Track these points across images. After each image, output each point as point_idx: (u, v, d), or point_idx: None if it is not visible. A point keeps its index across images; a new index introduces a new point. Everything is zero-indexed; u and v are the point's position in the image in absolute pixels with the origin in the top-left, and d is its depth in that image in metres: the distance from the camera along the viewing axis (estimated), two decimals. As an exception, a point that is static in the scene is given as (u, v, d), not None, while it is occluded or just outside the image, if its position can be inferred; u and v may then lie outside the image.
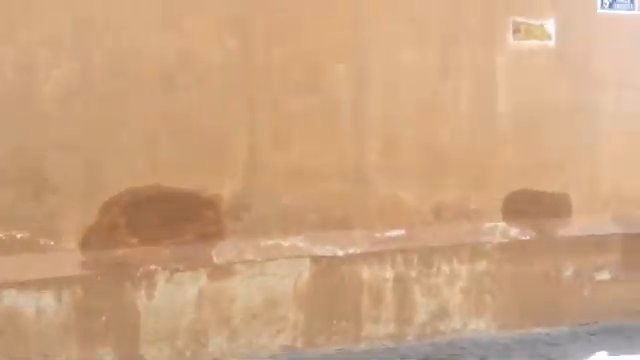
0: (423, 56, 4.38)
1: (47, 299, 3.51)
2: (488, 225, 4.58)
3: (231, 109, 3.88)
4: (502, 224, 4.61)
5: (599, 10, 4.89)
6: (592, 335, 4.66)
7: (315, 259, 4.08)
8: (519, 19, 4.62)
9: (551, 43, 4.72)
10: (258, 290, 3.92)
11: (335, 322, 4.16)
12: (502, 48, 4.58)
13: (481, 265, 4.50)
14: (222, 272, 3.83)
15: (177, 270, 3.72)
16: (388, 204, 4.33)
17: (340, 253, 4.17)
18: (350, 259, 4.19)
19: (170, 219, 3.74)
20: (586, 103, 4.82)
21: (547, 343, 4.48)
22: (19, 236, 3.50)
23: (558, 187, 4.76)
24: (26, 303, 3.46)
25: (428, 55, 4.39)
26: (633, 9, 5.00)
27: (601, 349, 4.39)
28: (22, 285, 3.46)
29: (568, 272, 4.72)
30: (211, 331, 3.82)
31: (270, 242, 4.00)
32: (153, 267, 3.67)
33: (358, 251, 4.21)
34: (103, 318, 3.60)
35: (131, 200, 3.64)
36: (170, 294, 3.71)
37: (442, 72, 4.43)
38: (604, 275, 4.82)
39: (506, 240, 4.59)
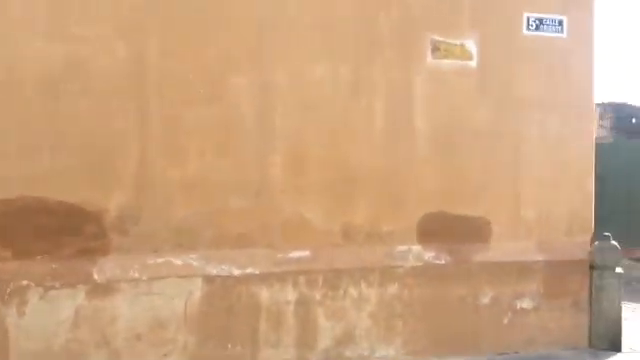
0: (334, 71, 4.25)
1: None
2: (401, 248, 4.40)
3: (120, 119, 3.73)
4: (416, 247, 4.44)
5: (525, 31, 4.79)
6: (511, 365, 4.49)
7: (208, 278, 3.89)
8: (438, 37, 4.51)
9: (473, 63, 4.61)
10: (143, 310, 3.73)
11: (230, 346, 3.96)
12: (420, 66, 4.46)
13: (392, 289, 4.31)
14: (103, 290, 3.64)
15: (52, 287, 3.54)
16: (293, 223, 4.16)
17: (236, 272, 3.99)
18: (247, 279, 4.00)
19: (48, 232, 3.56)
20: (509, 126, 4.68)
21: (461, 373, 4.30)
22: None
23: (478, 211, 4.60)
24: None
25: (340, 70, 4.26)
26: (561, 32, 4.91)
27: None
28: None
29: (486, 299, 4.54)
30: (89, 352, 3.61)
31: (160, 260, 3.82)
32: (25, 282, 3.49)
33: (257, 271, 4.03)
34: (-31, 336, 3.42)
35: (3, 211, 3.46)
36: (43, 312, 3.52)
37: (354, 88, 4.29)
38: (525, 303, 4.64)
39: (420, 264, 4.41)
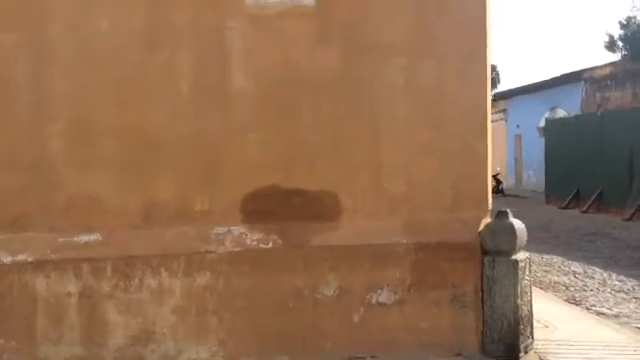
0: (124, 19, 3.60)
1: None
2: (218, 230, 3.67)
3: None
4: (238, 228, 3.68)
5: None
6: (364, 373, 3.63)
7: (-31, 266, 3.44)
8: (261, -27, 3.71)
9: (310, 2, 3.76)
10: None
11: (3, 341, 3.47)
12: (236, 9, 3.69)
13: (202, 279, 3.60)
14: None
15: None
16: (79, 201, 3.58)
17: (7, 260, 3.49)
18: (20, 267, 3.49)
19: None
20: (364, 78, 3.76)
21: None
22: None
23: (323, 183, 3.75)
24: None
25: (131, 18, 3.60)
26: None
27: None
28: None
29: (330, 291, 3.69)
30: None
31: None
32: None
33: (30, 258, 3.51)
34: None
35: None
36: None
37: (150, 39, 3.62)
38: (384, 296, 3.73)
39: (239, 248, 3.65)
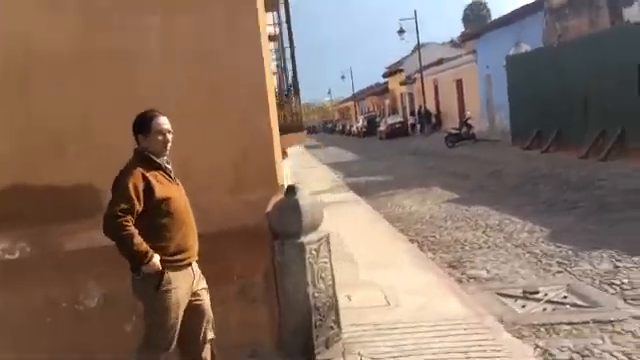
0: None
1: None
2: (-44, 242, 3.18)
3: None
4: (-21, 239, 3.20)
5: None
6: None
7: None
8: None
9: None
10: None
11: None
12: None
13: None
14: None
15: None
16: None
17: None
18: None
19: None
20: (108, 44, 3.21)
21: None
22: None
23: (76, 176, 3.22)
24: None
25: None
26: None
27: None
28: None
29: (92, 301, 3.21)
30: None
31: None
32: None
33: None
34: None
35: None
36: None
37: None
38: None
39: (-20, 262, 3.17)
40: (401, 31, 28.57)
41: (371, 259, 5.35)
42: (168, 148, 2.74)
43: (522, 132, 15.44)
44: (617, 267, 4.64)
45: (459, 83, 25.57)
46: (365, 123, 38.56)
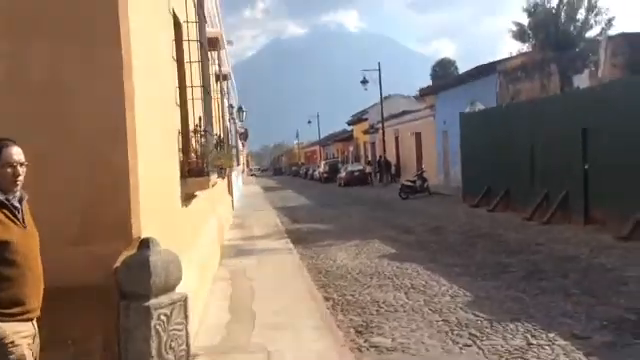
0: None
1: None
2: None
3: None
4: None
5: None
6: None
7: None
8: None
9: None
10: None
11: None
12: None
13: None
14: None
15: None
16: None
17: None
18: None
19: None
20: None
21: None
22: None
23: None
24: None
25: None
26: None
27: None
28: None
29: None
30: None
31: None
32: None
33: None
34: None
35: None
36: None
37: None
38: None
39: None
40: (364, 82, 28.85)
41: (273, 320, 4.90)
42: (19, 183, 2.32)
43: (473, 188, 15.40)
44: (530, 344, 4.31)
45: (418, 136, 25.77)
46: (327, 169, 38.47)
